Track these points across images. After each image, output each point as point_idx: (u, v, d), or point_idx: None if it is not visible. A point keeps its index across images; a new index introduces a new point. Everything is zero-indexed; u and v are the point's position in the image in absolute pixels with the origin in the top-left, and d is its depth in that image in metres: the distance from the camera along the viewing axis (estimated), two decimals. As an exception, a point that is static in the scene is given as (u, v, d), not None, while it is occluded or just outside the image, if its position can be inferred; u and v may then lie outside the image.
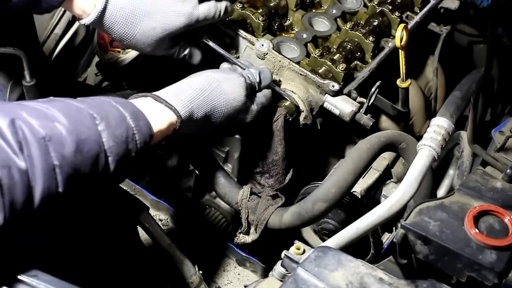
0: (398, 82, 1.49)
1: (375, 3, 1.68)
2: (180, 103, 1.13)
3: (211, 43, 1.41)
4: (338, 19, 1.65)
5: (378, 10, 1.65)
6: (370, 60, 1.58)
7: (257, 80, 1.31)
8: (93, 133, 0.94)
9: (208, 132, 1.27)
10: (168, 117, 1.11)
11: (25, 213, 0.86)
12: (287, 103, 1.38)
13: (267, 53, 1.43)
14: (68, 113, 0.94)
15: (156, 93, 1.15)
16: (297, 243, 1.04)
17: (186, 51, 1.36)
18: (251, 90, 1.30)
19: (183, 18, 1.28)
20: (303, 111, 1.40)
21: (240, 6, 1.57)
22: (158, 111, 1.11)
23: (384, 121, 1.70)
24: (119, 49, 1.62)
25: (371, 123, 1.41)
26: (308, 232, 1.60)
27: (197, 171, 1.70)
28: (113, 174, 0.98)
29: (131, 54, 1.62)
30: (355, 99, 1.43)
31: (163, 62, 1.50)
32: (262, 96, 1.33)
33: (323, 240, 1.51)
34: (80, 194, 0.96)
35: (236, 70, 1.35)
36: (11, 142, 0.84)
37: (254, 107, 1.30)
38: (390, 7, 1.66)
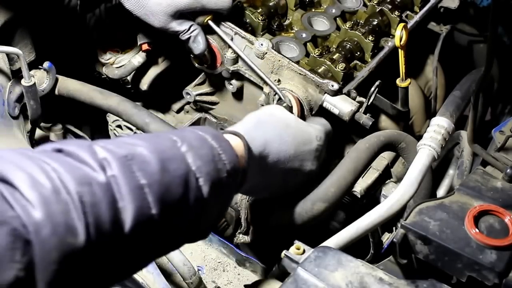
0: (398, 81, 1.49)
1: (375, 2, 1.67)
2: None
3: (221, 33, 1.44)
4: (337, 18, 1.65)
5: (377, 10, 1.65)
6: (369, 60, 1.57)
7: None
8: (177, 152, 0.89)
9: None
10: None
11: (114, 235, 0.77)
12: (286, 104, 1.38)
13: (266, 53, 1.43)
14: (146, 138, 0.89)
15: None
16: (297, 243, 1.04)
17: (194, 33, 1.40)
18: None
19: None
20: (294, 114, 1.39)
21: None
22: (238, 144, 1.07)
23: (384, 120, 1.69)
24: (117, 49, 1.62)
25: (371, 123, 1.41)
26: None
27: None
28: (209, 199, 0.91)
29: (130, 54, 1.62)
30: (354, 99, 1.43)
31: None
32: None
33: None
34: (176, 222, 0.88)
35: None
36: (90, 162, 0.78)
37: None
38: (389, 6, 1.66)
